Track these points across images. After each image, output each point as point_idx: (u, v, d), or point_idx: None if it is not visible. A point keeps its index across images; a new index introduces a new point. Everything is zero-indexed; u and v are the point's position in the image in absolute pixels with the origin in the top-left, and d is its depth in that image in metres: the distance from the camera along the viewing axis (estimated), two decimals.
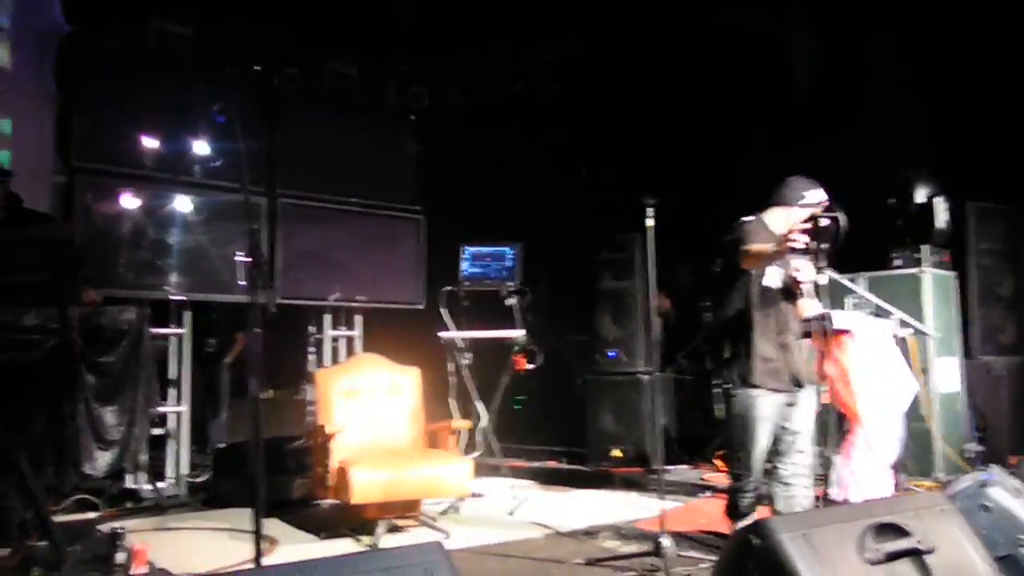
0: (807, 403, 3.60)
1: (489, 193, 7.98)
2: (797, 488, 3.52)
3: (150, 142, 5.44)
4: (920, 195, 5.71)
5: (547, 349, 6.52)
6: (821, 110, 6.92)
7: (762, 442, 3.48)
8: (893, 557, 2.30)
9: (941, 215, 5.63)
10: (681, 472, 6.13)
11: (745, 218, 3.64)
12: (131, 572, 3.44)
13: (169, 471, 5.44)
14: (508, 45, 7.90)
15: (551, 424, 7.07)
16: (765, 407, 3.48)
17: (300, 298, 6.09)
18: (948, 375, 5.56)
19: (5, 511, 3.64)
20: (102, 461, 4.05)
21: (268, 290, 2.12)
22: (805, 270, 3.61)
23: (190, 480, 5.54)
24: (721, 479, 5.79)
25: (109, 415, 4.05)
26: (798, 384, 3.57)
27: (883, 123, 6.84)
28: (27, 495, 3.60)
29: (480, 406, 6.22)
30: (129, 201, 5.35)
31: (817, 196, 3.57)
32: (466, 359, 6.11)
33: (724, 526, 4.05)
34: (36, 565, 3.50)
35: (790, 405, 3.55)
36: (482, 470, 4.57)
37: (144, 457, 4.99)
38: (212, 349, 7.13)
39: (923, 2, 6.40)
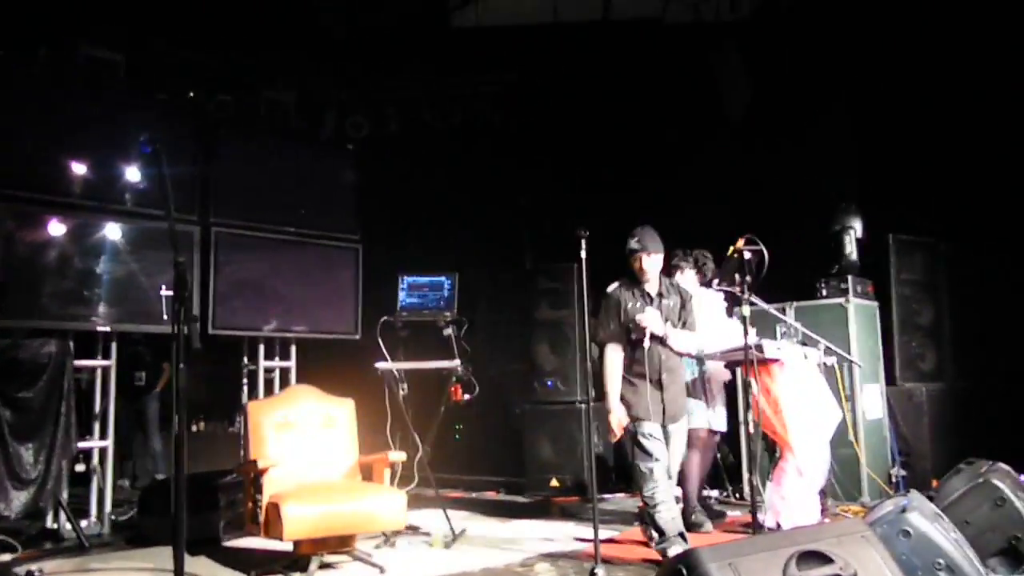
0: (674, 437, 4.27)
1: (427, 222, 7.99)
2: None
3: (78, 168, 5.30)
4: (840, 226, 5.93)
5: (485, 379, 6.52)
6: (753, 143, 7.15)
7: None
8: None
9: (848, 246, 5.84)
10: (618, 501, 6.17)
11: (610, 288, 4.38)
12: None
13: (92, 509, 5.24)
14: (449, 76, 7.97)
15: (489, 454, 7.05)
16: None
17: (234, 328, 5.97)
18: (872, 402, 5.75)
19: None
20: (17, 501, 3.88)
21: (192, 325, 2.07)
22: (650, 321, 4.19)
23: (114, 518, 5.34)
24: None
25: (26, 452, 3.88)
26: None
27: (813, 157, 7.10)
28: None
29: (416, 437, 6.16)
30: (54, 229, 5.19)
31: (631, 244, 4.26)
32: (403, 390, 6.05)
33: (658, 556, 4.09)
34: None
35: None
36: (419, 502, 4.52)
37: (64, 495, 4.79)
38: (140, 383, 6.95)
39: (856, 42, 6.68)
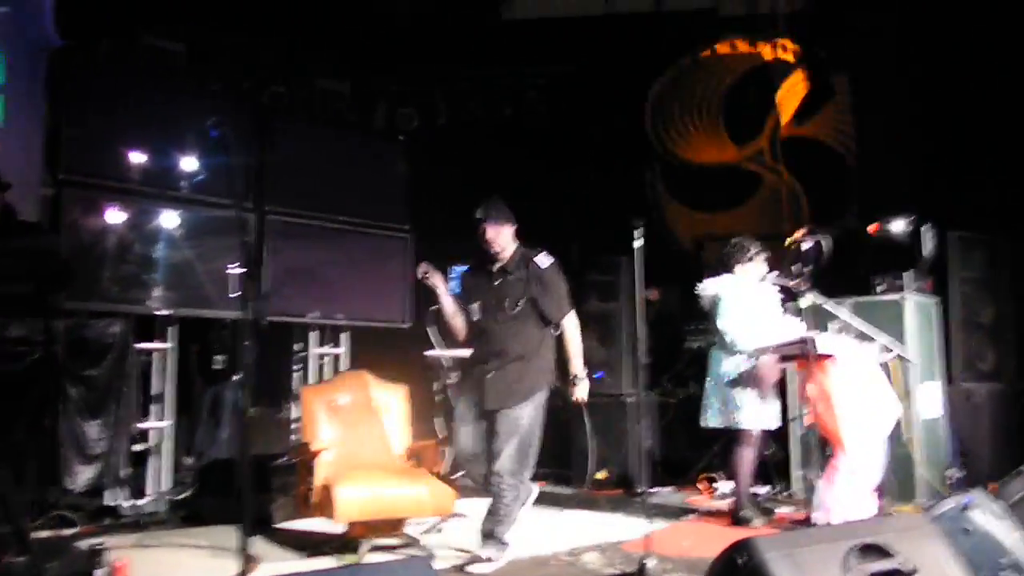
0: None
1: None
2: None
3: (138, 156, 5.43)
4: (904, 223, 5.79)
5: None
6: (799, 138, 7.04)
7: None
8: None
9: (928, 243, 5.70)
10: (665, 495, 6.13)
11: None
12: None
13: (150, 487, 5.38)
14: (498, 68, 7.98)
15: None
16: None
17: (286, 315, 6.08)
18: (930, 400, 5.61)
19: None
20: (83, 476, 4.01)
21: (260, 303, 2.12)
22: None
23: (171, 497, 5.48)
24: (705, 502, 5.82)
25: (92, 429, 4.01)
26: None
27: (870, 152, 6.96)
28: (5, 509, 3.55)
29: None
30: (116, 215, 5.33)
31: (476, 214, 4.14)
32: (452, 378, 6.11)
33: (708, 549, 4.06)
34: None
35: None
36: (467, 489, 4.55)
37: (125, 473, 4.93)
38: (220, 366, 7.08)
39: (907, 35, 6.54)
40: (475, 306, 4.13)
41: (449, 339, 6.31)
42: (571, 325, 4.18)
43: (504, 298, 4.07)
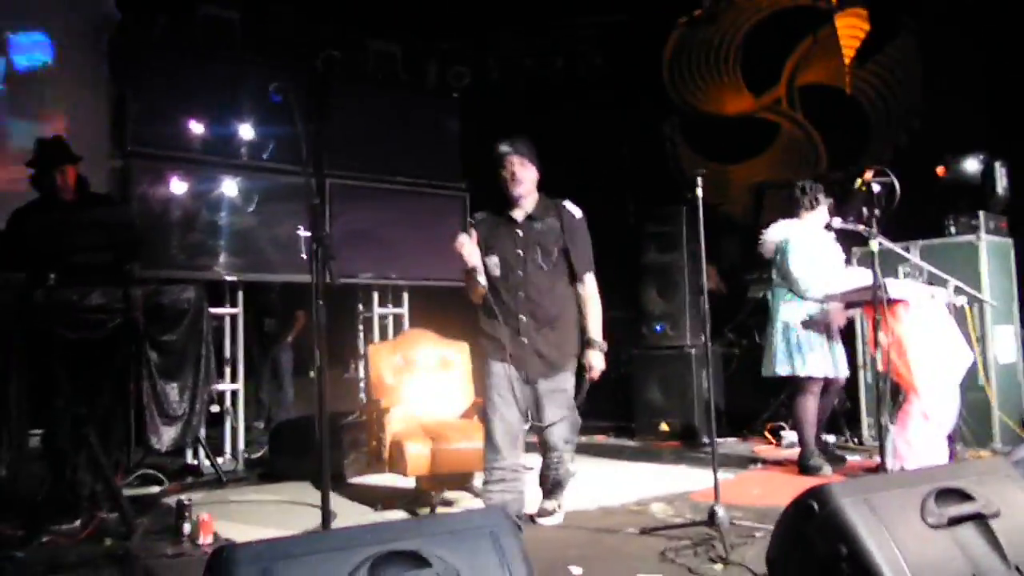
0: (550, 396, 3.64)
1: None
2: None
3: (200, 126, 5.54)
4: (976, 162, 5.57)
5: None
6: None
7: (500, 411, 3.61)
8: (956, 521, 2.29)
9: (1001, 180, 5.49)
10: (730, 445, 6.12)
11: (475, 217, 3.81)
12: (198, 542, 3.55)
13: (227, 447, 5.59)
14: (549, 19, 7.86)
15: (598, 398, 7.05)
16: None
17: (349, 276, 6.18)
18: (1006, 344, 5.45)
19: (76, 484, 3.78)
20: (167, 436, 4.18)
21: (331, 263, 2.17)
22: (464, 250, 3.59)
23: (247, 455, 5.69)
24: (772, 451, 5.79)
25: (172, 391, 4.17)
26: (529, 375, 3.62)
27: (938, 90, 6.69)
28: (97, 468, 3.74)
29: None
30: (181, 184, 5.47)
31: (500, 148, 3.63)
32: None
33: (778, 497, 4.04)
34: (107, 536, 3.65)
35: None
36: (532, 445, 4.60)
37: (202, 433, 5.13)
38: (269, 329, 7.27)
39: None
40: (494, 260, 3.62)
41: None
42: (592, 285, 3.74)
43: (535, 249, 3.59)
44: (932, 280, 4.91)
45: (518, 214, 3.66)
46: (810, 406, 4.90)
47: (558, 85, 8.11)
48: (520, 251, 3.59)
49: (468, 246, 3.55)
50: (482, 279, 3.59)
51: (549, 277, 3.59)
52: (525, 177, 3.59)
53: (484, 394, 3.66)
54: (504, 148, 3.58)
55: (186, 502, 3.72)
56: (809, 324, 4.85)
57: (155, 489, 4.85)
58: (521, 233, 3.62)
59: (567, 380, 3.64)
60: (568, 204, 3.70)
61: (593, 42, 8.01)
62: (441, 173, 6.68)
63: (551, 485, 3.89)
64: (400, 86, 6.83)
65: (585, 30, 8.07)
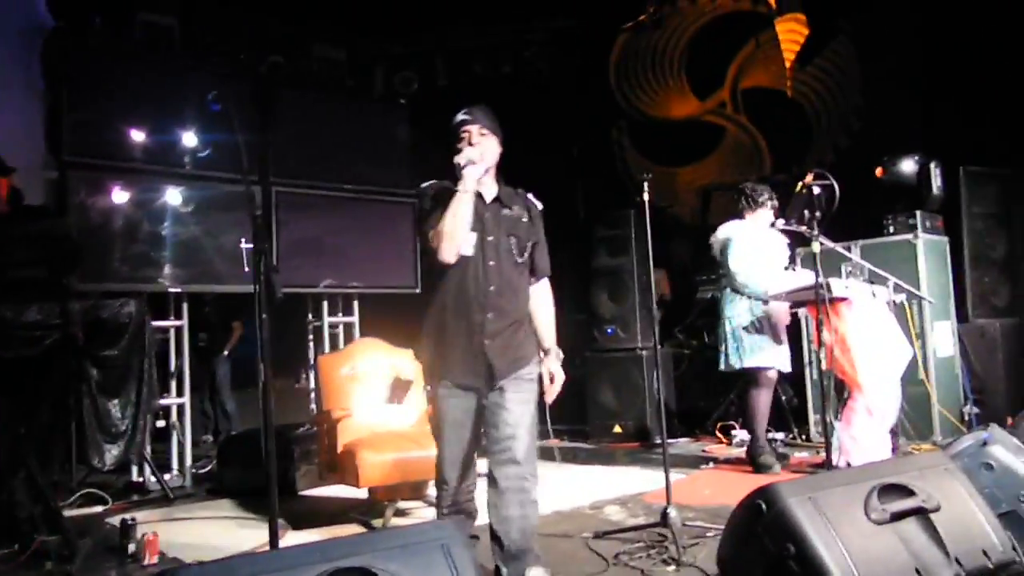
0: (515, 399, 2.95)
1: None
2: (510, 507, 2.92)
3: (140, 134, 5.41)
4: (912, 162, 5.74)
5: None
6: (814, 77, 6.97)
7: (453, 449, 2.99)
8: (899, 516, 2.35)
9: (936, 181, 5.66)
10: (682, 445, 6.19)
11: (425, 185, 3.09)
12: (144, 562, 3.46)
13: (174, 463, 5.46)
14: (497, 24, 7.87)
15: (552, 402, 7.11)
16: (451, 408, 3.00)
17: (297, 286, 6.10)
18: (943, 339, 5.62)
19: (14, 507, 3.65)
20: (110, 454, 4.08)
21: (274, 276, 2.12)
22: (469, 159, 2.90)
23: (195, 471, 5.57)
24: (722, 451, 5.87)
25: (114, 408, 4.06)
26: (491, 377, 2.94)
27: (876, 92, 6.88)
28: (35, 490, 3.62)
29: None
30: (122, 194, 5.33)
31: (456, 118, 3.01)
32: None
33: (729, 496, 4.10)
34: (48, 559, 3.53)
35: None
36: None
37: (148, 449, 5.00)
38: (203, 343, 7.14)
39: None
40: (472, 237, 2.94)
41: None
42: (547, 288, 3.24)
43: (507, 238, 3.01)
44: (873, 279, 5.03)
45: (483, 193, 3.00)
46: (763, 399, 5.00)
47: (506, 90, 8.12)
48: (491, 237, 2.96)
49: (468, 152, 2.93)
50: (466, 233, 2.90)
51: (520, 273, 3.06)
52: (487, 149, 2.98)
53: (434, 420, 3.08)
54: (461, 117, 3.02)
55: (131, 521, 3.63)
56: (756, 322, 4.95)
57: (99, 508, 4.71)
58: (490, 216, 2.99)
59: (531, 385, 3.04)
60: (531, 196, 3.21)
61: (541, 47, 8.04)
62: (389, 180, 6.63)
63: (517, 546, 2.94)
64: (346, 92, 6.77)
65: (533, 35, 8.10)
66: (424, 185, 3.08)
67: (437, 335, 2.99)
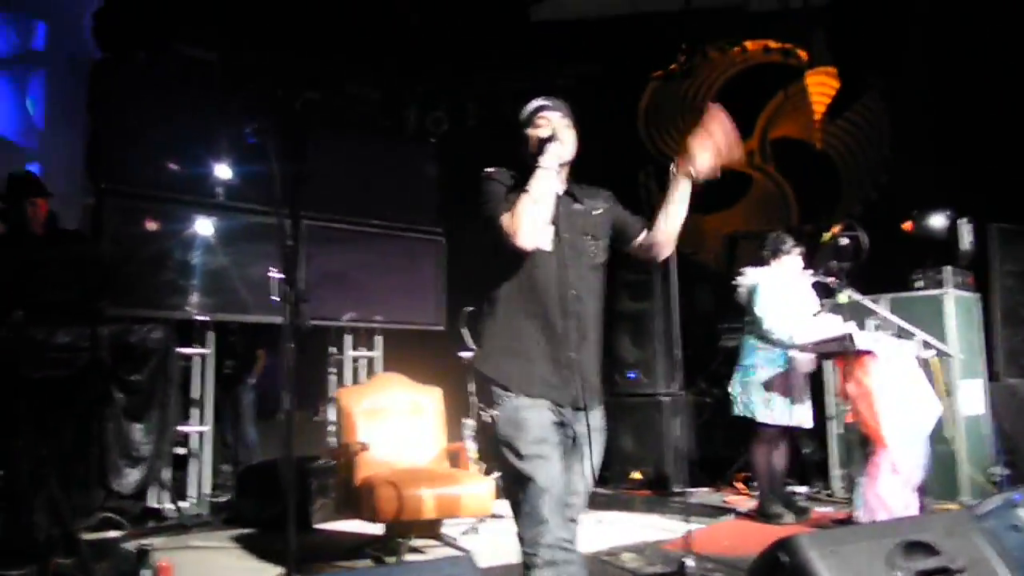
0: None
1: None
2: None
3: (176, 165, 5.54)
4: (943, 218, 5.71)
5: None
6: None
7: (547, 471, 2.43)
8: (923, 575, 2.29)
9: (966, 237, 5.62)
10: (702, 495, 6.09)
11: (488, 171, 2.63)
12: None
13: (191, 490, 5.47)
14: (527, 69, 8.00)
15: None
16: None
17: (322, 318, 6.14)
18: (972, 397, 5.52)
19: (32, 528, 3.67)
20: (130, 478, 4.10)
21: (302, 305, 2.15)
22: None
23: (212, 499, 5.57)
24: (743, 502, 5.77)
25: (137, 432, 4.10)
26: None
27: (904, 145, 6.88)
28: (55, 512, 3.64)
29: None
30: (154, 223, 5.44)
31: (534, 104, 2.66)
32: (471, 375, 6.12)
33: (748, 548, 4.03)
34: None
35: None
36: (503, 491, 4.57)
37: (167, 476, 5.02)
38: (229, 371, 7.18)
39: (940, 26, 6.44)
40: (550, 232, 2.51)
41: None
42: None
43: (585, 237, 2.60)
44: (900, 333, 4.98)
45: (562, 188, 2.62)
46: (762, 452, 4.96)
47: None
48: (567, 235, 2.55)
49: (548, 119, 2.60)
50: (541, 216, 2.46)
51: (597, 277, 2.63)
52: (567, 138, 2.60)
53: (504, 444, 2.44)
54: (540, 102, 2.66)
55: (146, 547, 3.62)
56: (774, 373, 4.91)
57: (115, 533, 4.71)
58: (563, 212, 2.55)
59: (603, 418, 2.64)
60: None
61: (569, 91, 8.15)
62: (419, 217, 6.71)
63: None
64: (378, 130, 6.89)
65: (562, 79, 8.22)
66: (489, 169, 2.63)
67: (510, 342, 2.49)
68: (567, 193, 2.64)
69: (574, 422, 2.50)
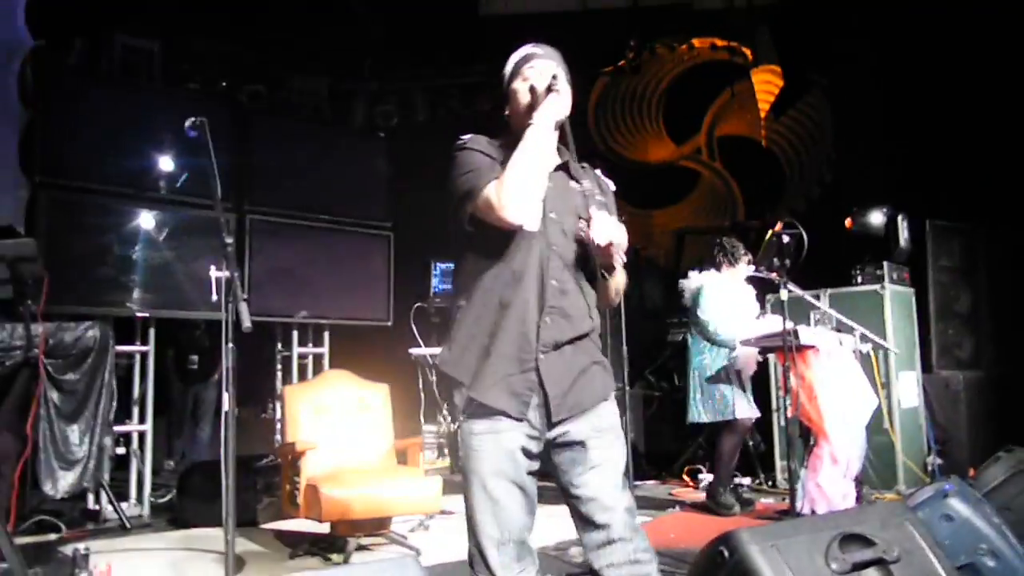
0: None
1: None
2: None
3: (115, 157, 5.38)
4: (881, 214, 5.86)
5: None
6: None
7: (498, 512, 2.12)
8: (860, 567, 2.34)
9: (903, 233, 5.78)
10: (649, 488, 6.17)
11: (463, 138, 2.24)
12: None
13: (132, 491, 5.34)
14: (477, 64, 7.99)
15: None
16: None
17: (268, 315, 6.04)
18: (908, 389, 5.69)
19: None
20: (64, 481, 3.97)
21: (241, 305, 2.10)
22: (602, 225, 2.07)
23: (154, 500, 5.44)
24: (689, 494, 5.86)
25: (72, 434, 3.97)
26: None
27: (846, 143, 7.04)
28: None
29: (449, 422, 6.22)
30: (93, 217, 5.28)
31: (522, 52, 2.24)
32: (435, 375, 6.11)
33: (694, 540, 4.09)
34: None
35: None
36: (452, 487, 4.55)
37: (106, 477, 4.89)
38: (194, 366, 7.04)
39: (883, 27, 6.60)
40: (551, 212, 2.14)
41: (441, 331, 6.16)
42: None
43: (579, 220, 2.20)
44: (840, 327, 5.10)
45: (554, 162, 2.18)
46: (733, 444, 5.04)
47: (484, 126, 8.21)
48: (554, 214, 2.16)
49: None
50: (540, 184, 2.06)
51: (591, 269, 2.21)
52: (567, 94, 2.14)
53: (467, 470, 2.14)
54: (531, 49, 2.23)
55: (84, 551, 3.52)
56: (722, 371, 4.99)
57: (52, 536, 4.58)
58: (552, 188, 2.14)
59: (614, 411, 2.26)
60: (599, 172, 2.44)
61: None
62: (367, 212, 6.63)
63: None
64: (326, 123, 6.80)
65: None
66: (464, 137, 2.22)
67: (479, 340, 2.12)
68: (561, 167, 2.23)
69: (554, 445, 2.16)
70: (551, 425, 2.13)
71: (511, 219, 2.02)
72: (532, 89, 2.14)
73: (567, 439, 2.16)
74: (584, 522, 2.21)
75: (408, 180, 7.11)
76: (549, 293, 2.12)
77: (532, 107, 2.12)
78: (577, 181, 2.24)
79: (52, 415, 3.88)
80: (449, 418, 2.01)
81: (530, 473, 2.15)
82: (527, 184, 2.03)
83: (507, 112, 2.26)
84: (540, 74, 2.16)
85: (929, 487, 3.08)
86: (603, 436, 2.20)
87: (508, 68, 2.26)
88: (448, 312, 2.26)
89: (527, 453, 2.13)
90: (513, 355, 2.09)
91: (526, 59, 2.22)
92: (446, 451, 6.66)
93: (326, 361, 6.52)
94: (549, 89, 2.10)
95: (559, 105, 2.11)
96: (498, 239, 2.09)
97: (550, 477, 2.24)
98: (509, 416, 2.09)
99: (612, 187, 2.41)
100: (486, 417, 2.10)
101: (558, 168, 2.21)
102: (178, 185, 5.46)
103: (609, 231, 2.06)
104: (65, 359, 3.91)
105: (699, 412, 5.07)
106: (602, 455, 2.18)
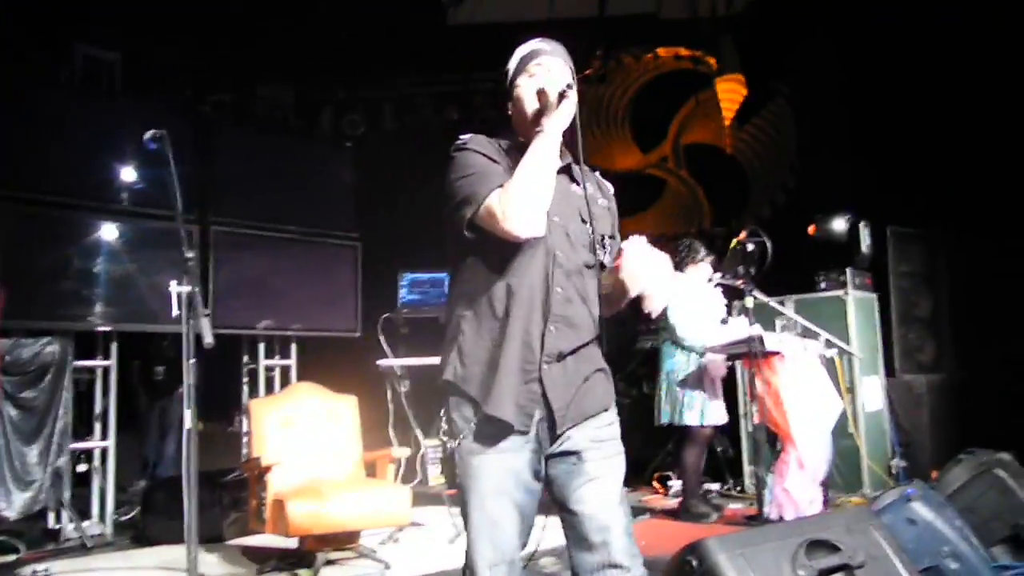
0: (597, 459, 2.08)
1: (427, 219, 7.98)
2: None
3: (76, 168, 5.29)
4: (843, 221, 5.94)
5: None
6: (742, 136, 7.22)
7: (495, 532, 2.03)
8: (826, 573, 2.37)
9: (865, 239, 5.87)
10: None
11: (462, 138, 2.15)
12: None
13: (94, 509, 5.23)
14: (445, 72, 7.98)
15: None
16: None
17: (234, 327, 5.97)
18: (872, 393, 5.77)
19: None
20: (19, 501, 3.87)
21: (203, 320, 2.07)
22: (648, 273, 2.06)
23: (117, 518, 5.33)
24: (659, 501, 5.88)
25: (30, 453, 3.88)
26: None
27: (809, 150, 7.14)
28: None
29: (419, 434, 6.17)
30: (53, 229, 5.18)
31: (527, 48, 2.16)
32: (404, 387, 6.07)
33: (664, 548, 4.10)
34: None
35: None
36: (422, 499, 4.53)
37: (66, 495, 4.78)
38: (161, 377, 6.91)
39: (844, 36, 6.71)
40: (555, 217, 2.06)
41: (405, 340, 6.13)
42: None
43: (584, 225, 2.13)
44: (805, 333, 5.16)
45: (561, 163, 2.11)
46: (696, 454, 5.06)
47: (453, 135, 8.20)
48: (558, 218, 2.06)
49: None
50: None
51: (593, 274, 2.14)
52: (570, 88, 2.03)
53: (466, 488, 2.05)
54: (537, 45, 2.14)
55: (43, 572, 3.45)
56: (693, 375, 5.01)
57: (11, 558, 4.47)
58: (556, 192, 2.04)
59: (615, 420, 2.20)
60: (598, 174, 2.34)
61: (487, 95, 8.16)
62: (334, 222, 6.58)
63: None
64: (291, 132, 6.74)
65: (479, 83, 8.22)
66: (464, 137, 2.14)
67: (478, 350, 2.03)
68: (564, 170, 2.14)
69: (553, 459, 2.07)
70: (554, 438, 2.05)
71: (515, 231, 1.94)
72: (542, 93, 2.03)
73: (565, 448, 2.07)
74: (578, 541, 2.10)
75: (376, 190, 7.07)
76: (554, 301, 2.03)
77: (540, 113, 2.03)
78: (579, 183, 2.16)
79: (9, 433, 3.79)
80: (448, 436, 1.84)
81: (530, 493, 2.05)
82: (534, 196, 1.95)
83: (509, 110, 2.19)
84: (548, 73, 2.09)
85: (893, 491, 3.12)
86: (603, 447, 2.12)
87: (512, 63, 2.17)
88: (446, 322, 2.13)
89: (530, 472, 2.04)
90: (517, 366, 2.00)
91: (532, 55, 2.13)
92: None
93: (293, 373, 6.46)
94: (561, 96, 2.01)
95: (570, 111, 2.04)
96: (499, 245, 2.00)
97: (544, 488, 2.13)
98: (515, 431, 2.00)
99: (611, 189, 2.36)
100: (491, 434, 2.01)
101: (560, 171, 2.12)
102: (137, 193, 5.37)
103: (658, 281, 2.06)
104: (23, 376, 3.81)
105: (666, 416, 5.10)
106: (600, 467, 2.11)
